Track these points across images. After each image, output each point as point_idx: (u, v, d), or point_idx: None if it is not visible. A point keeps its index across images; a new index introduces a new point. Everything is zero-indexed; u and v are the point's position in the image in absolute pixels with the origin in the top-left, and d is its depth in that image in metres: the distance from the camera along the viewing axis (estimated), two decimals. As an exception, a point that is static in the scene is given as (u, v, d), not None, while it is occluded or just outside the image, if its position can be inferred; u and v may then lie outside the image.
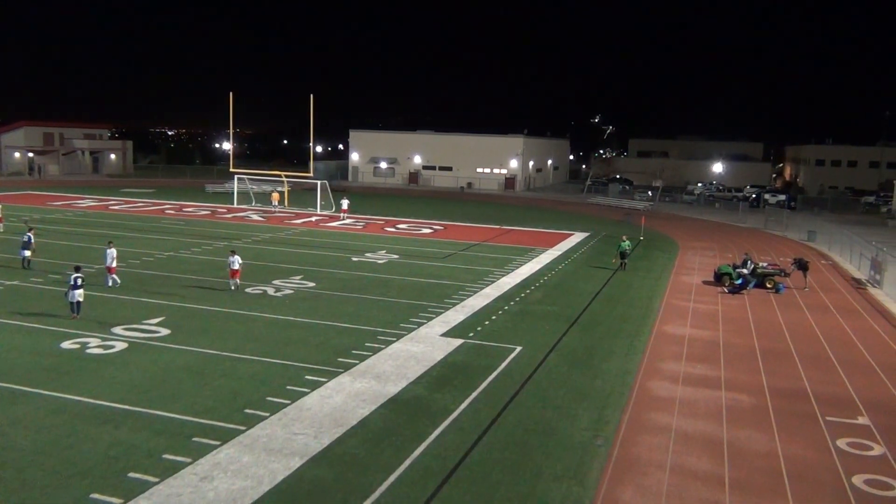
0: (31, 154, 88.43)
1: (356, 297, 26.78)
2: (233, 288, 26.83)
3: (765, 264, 34.10)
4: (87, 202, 56.92)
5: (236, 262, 26.98)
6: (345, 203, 54.02)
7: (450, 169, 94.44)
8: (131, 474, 12.73)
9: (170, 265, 31.70)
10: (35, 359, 18.59)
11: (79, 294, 22.19)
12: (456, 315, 24.90)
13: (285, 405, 16.15)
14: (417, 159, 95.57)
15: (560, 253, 40.43)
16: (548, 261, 37.48)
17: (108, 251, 26.97)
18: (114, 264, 26.86)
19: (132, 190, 70.30)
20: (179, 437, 14.31)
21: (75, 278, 22.26)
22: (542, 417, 16.24)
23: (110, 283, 26.61)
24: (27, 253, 29.82)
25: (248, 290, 27.27)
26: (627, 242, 35.86)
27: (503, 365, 19.75)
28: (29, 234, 30.39)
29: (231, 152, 65.36)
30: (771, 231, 56.75)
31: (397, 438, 14.74)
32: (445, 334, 22.46)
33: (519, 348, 21.36)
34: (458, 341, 21.74)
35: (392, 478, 13.08)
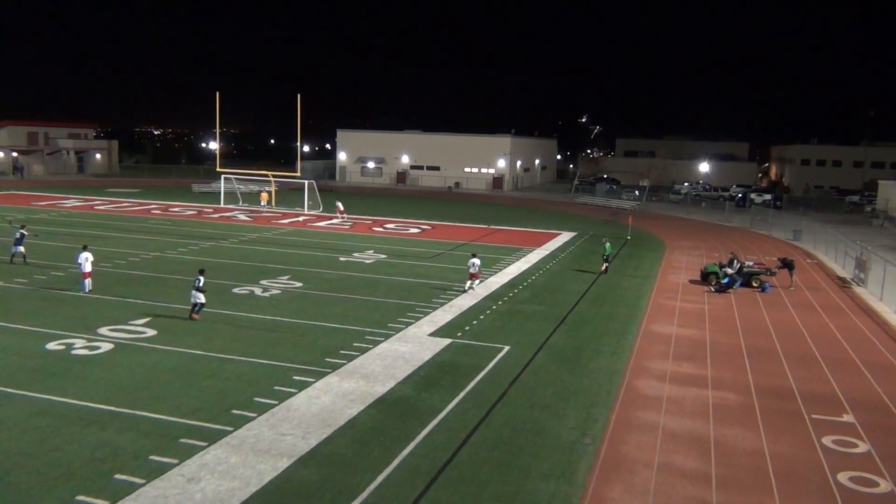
0: (14, 154, 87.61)
1: (344, 297, 26.73)
2: (467, 289, 28.60)
3: (751, 263, 34.32)
4: (72, 202, 56.47)
5: (476, 265, 28.46)
6: (340, 205, 54.18)
7: (437, 169, 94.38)
8: (118, 476, 12.65)
9: (156, 265, 31.51)
10: (20, 360, 18.44)
11: (202, 296, 22.66)
12: (444, 315, 24.90)
13: (273, 406, 16.10)
14: (405, 159, 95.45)
15: (548, 252, 40.52)
16: (535, 260, 37.55)
17: (82, 255, 25.92)
18: (89, 268, 25.95)
19: (118, 190, 69.81)
20: (166, 438, 14.23)
21: (198, 280, 22.74)
22: (530, 417, 16.28)
23: (87, 289, 25.80)
24: (21, 248, 29.75)
25: (235, 290, 27.15)
26: (609, 244, 35.90)
27: (491, 364, 19.78)
28: (21, 230, 30.29)
29: (218, 152, 64.93)
30: (757, 230, 57.12)
31: (385, 438, 14.72)
32: (433, 334, 22.46)
33: (507, 348, 21.39)
34: (446, 341, 21.74)
35: (380, 478, 13.07)
